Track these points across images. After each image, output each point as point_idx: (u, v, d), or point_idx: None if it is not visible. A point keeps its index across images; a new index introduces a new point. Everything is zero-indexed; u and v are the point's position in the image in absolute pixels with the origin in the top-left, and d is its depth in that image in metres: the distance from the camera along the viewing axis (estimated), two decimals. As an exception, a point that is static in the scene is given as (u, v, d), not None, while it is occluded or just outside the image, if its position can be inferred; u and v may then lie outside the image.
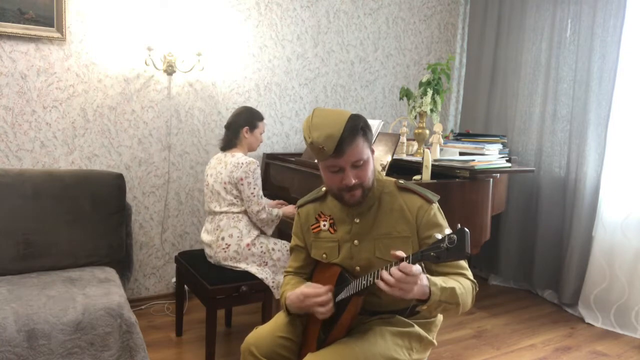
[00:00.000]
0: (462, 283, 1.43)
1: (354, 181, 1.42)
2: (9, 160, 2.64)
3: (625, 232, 3.03)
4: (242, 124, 2.49)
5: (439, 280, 1.36)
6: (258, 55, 3.27)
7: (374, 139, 2.51)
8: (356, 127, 1.40)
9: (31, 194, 2.40)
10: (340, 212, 1.57)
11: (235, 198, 2.40)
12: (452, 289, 1.37)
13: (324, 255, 1.59)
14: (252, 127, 2.51)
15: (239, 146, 2.50)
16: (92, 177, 2.57)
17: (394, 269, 1.26)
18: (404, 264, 1.24)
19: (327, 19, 3.50)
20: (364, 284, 1.38)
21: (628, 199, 3.02)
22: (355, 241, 1.54)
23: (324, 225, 1.59)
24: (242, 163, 2.36)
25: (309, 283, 1.55)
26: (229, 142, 2.51)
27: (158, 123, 3.01)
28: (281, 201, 2.76)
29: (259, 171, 2.40)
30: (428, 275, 1.34)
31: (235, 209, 2.40)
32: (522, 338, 2.91)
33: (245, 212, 2.43)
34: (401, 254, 1.28)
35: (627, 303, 3.02)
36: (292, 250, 1.72)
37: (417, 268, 1.24)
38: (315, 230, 1.61)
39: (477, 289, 1.50)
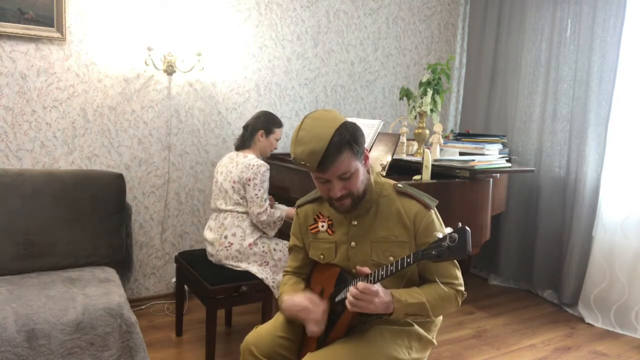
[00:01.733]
0: (440, 294, 1.45)
1: (339, 193, 1.42)
2: (9, 160, 2.64)
3: (625, 232, 3.03)
4: (258, 127, 2.54)
5: (406, 296, 1.40)
6: (258, 55, 3.27)
7: (373, 140, 2.51)
8: (342, 141, 1.36)
9: (31, 194, 2.40)
10: (338, 214, 1.57)
11: (241, 198, 2.42)
12: (421, 304, 1.41)
13: (322, 256, 1.59)
14: (268, 132, 2.55)
15: (252, 148, 2.54)
16: (92, 177, 2.57)
17: (352, 287, 1.33)
18: (361, 283, 1.32)
19: (327, 19, 3.50)
20: None
21: (628, 199, 3.02)
22: (352, 243, 1.53)
23: (322, 226, 1.59)
24: (253, 165, 2.39)
25: (309, 294, 1.54)
26: (244, 142, 2.56)
27: (158, 123, 3.01)
28: (269, 196, 2.74)
29: (268, 175, 2.42)
30: (394, 291, 1.39)
31: (240, 209, 2.43)
32: (522, 338, 2.91)
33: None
34: (366, 270, 1.37)
35: (627, 303, 3.02)
36: (290, 250, 1.72)
37: (374, 288, 1.32)
38: (313, 231, 1.61)
39: (465, 297, 1.52)
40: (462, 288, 1.50)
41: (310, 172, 1.43)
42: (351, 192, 1.44)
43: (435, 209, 1.52)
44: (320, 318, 1.46)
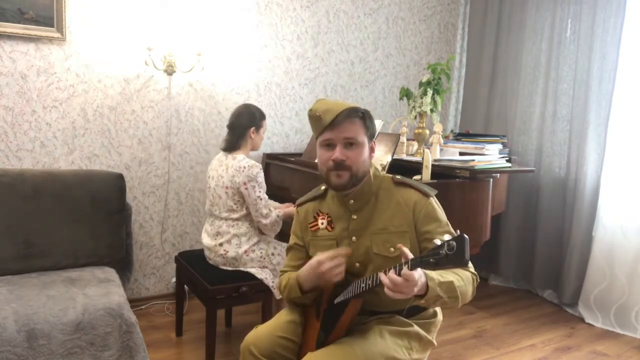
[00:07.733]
0: (461, 275, 1.41)
1: (341, 157, 1.44)
2: (9, 160, 2.64)
3: (625, 232, 3.03)
4: (248, 125, 2.39)
5: (436, 275, 1.33)
6: (258, 55, 3.27)
7: (374, 138, 2.50)
8: (357, 112, 1.47)
9: (31, 194, 2.40)
10: (338, 209, 1.57)
11: (235, 204, 2.34)
12: (451, 283, 1.34)
13: None
14: (258, 127, 2.43)
15: (243, 148, 2.41)
16: (92, 177, 2.57)
17: (392, 275, 1.24)
18: (405, 271, 1.22)
19: (327, 19, 3.50)
20: (362, 287, 1.37)
21: (628, 199, 3.02)
22: (353, 237, 1.54)
23: (322, 224, 1.59)
24: (244, 167, 2.29)
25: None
26: (234, 143, 2.39)
27: (158, 123, 3.01)
28: (289, 204, 2.72)
29: (262, 175, 2.33)
30: (425, 271, 1.30)
31: (234, 215, 2.36)
32: (522, 338, 2.91)
33: (245, 218, 2.38)
34: (408, 255, 1.26)
35: (627, 303, 3.02)
36: (289, 249, 1.71)
37: (417, 274, 1.23)
38: (313, 229, 1.62)
39: (478, 281, 1.48)
40: (473, 270, 1.47)
41: (320, 134, 1.48)
42: (350, 165, 1.45)
43: (434, 197, 1.52)
44: (338, 262, 1.42)
